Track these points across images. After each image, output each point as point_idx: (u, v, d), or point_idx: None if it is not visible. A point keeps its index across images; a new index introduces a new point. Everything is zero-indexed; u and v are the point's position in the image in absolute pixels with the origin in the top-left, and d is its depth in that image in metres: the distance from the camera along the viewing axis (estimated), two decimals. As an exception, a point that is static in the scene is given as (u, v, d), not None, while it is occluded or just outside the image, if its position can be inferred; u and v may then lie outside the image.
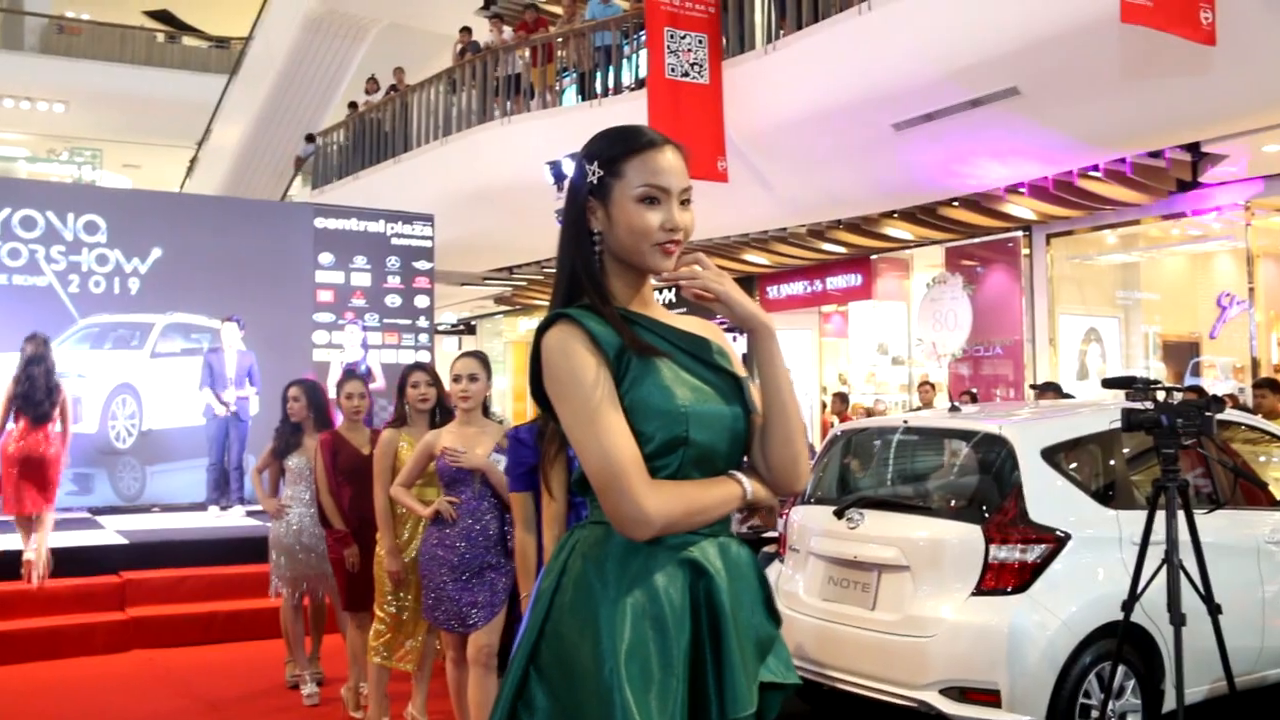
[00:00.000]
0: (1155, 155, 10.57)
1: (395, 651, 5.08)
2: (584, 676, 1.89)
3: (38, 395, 7.67)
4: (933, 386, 13.11)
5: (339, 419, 5.96)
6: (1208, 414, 4.02)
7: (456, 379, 4.56)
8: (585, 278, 2.08)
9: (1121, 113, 9.58)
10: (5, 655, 6.96)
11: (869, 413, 13.56)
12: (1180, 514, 3.96)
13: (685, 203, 2.08)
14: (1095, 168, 10.81)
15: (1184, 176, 10.91)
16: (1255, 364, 11.74)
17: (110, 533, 9.15)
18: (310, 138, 19.58)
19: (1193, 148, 10.57)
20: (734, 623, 1.96)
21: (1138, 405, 4.07)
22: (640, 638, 1.90)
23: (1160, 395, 4.07)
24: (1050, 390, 10.21)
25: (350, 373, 6.16)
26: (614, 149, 2.07)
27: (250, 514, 9.95)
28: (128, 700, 6.21)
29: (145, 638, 7.45)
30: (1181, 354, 13.29)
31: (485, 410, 4.71)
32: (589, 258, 2.09)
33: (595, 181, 2.07)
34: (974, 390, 12.75)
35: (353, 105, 19.12)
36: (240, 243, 11.66)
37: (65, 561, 7.92)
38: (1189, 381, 12.14)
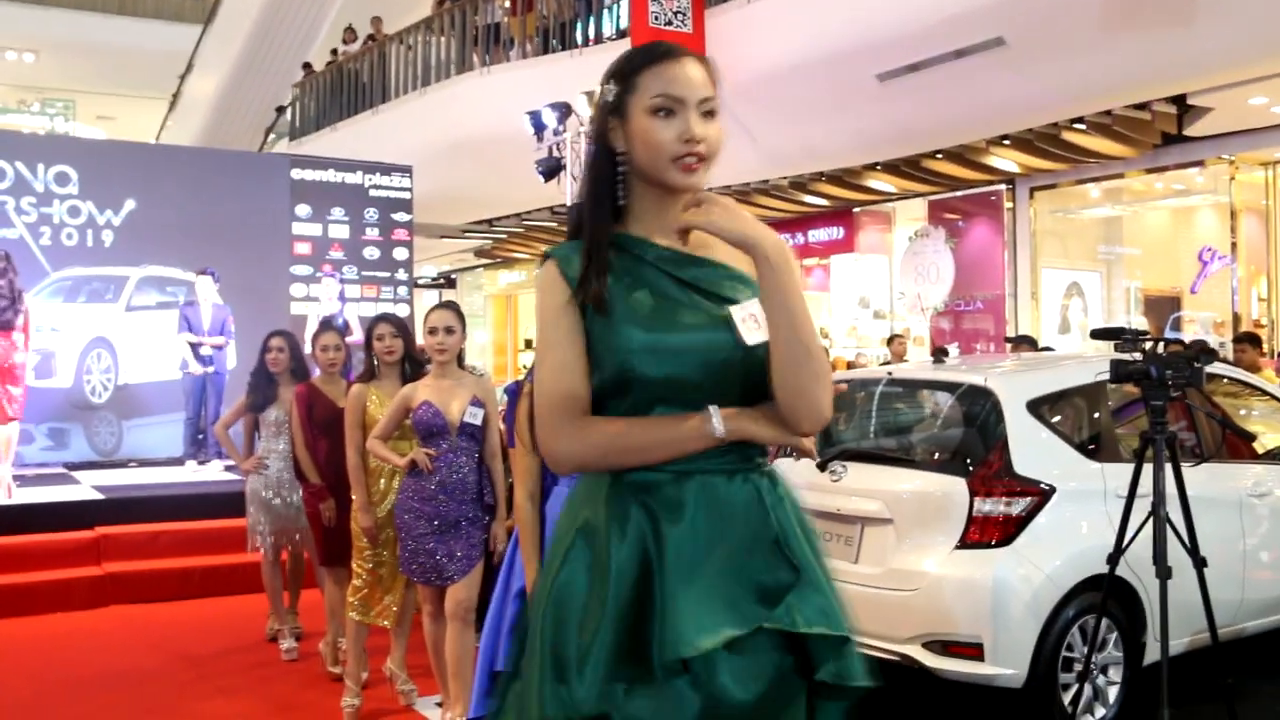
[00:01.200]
0: (1141, 108, 10.50)
1: (373, 607, 5.03)
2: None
3: (1, 303, 8.01)
4: (903, 339, 13.09)
5: (315, 371, 5.87)
6: (1196, 365, 3.97)
7: (432, 331, 4.47)
8: (590, 199, 1.98)
9: (1107, 64, 9.50)
10: (-20, 611, 6.89)
11: (849, 366, 13.53)
12: (1167, 466, 3.92)
13: (709, 115, 1.95)
14: (1080, 120, 10.74)
15: (1169, 129, 10.86)
16: (1236, 319, 11.76)
17: (86, 488, 9.06)
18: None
19: (1178, 100, 10.50)
20: (692, 563, 1.83)
21: (1126, 356, 4.02)
22: (570, 578, 1.86)
23: (1148, 347, 4.02)
24: (1024, 343, 10.20)
25: (327, 324, 6.05)
26: (631, 63, 1.97)
27: (228, 468, 9.87)
28: (105, 656, 6.16)
29: (122, 593, 7.39)
30: (1163, 308, 13.31)
31: (460, 362, 4.63)
32: (600, 178, 1.98)
33: (613, 100, 1.96)
34: (946, 347, 12.74)
35: (334, 52, 18.80)
36: (215, 194, 11.50)
37: (41, 516, 7.85)
38: (1169, 336, 12.16)
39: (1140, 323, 13.25)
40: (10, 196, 10.60)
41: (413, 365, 5.02)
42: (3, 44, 24.07)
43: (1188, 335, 12.32)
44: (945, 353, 6.72)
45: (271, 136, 20.49)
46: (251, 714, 5.08)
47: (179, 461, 10.38)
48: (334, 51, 18.80)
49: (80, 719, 5.11)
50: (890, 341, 13.15)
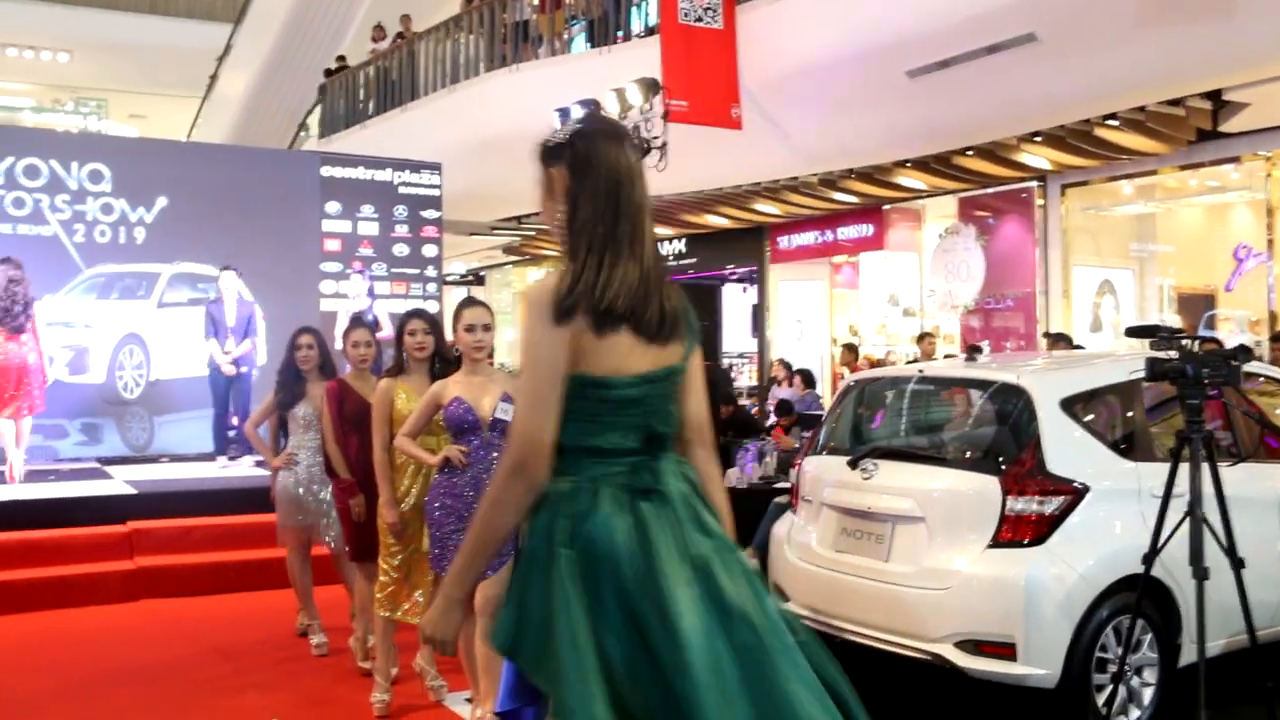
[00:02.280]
0: (1175, 104, 10.38)
1: (401, 604, 5.04)
2: None
3: (15, 308, 8.80)
4: (933, 338, 12.99)
5: (344, 368, 5.89)
6: (1234, 363, 3.92)
7: (470, 329, 4.48)
8: None
9: (1141, 60, 9.39)
10: (16, 604, 6.96)
11: (877, 364, 13.47)
12: (1204, 466, 3.87)
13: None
14: (1113, 116, 10.62)
15: (1204, 125, 10.73)
16: (1273, 317, 11.60)
17: (119, 483, 9.13)
18: (330, 71, 19.39)
19: (1213, 95, 10.37)
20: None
21: (1162, 354, 3.97)
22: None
23: (1185, 344, 3.97)
24: (1061, 341, 10.11)
25: (357, 320, 6.06)
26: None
27: (258, 464, 9.92)
28: (137, 649, 6.21)
29: (154, 587, 7.44)
30: (1196, 306, 13.15)
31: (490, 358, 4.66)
32: None
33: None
34: (980, 344, 12.64)
35: (340, 58, 18.86)
36: (246, 191, 11.56)
37: (74, 510, 7.93)
38: (1203, 334, 12.02)
39: (1173, 321, 13.12)
40: (45, 194, 10.70)
41: (442, 363, 5.03)
42: (37, 44, 24.29)
43: (1223, 333, 12.18)
44: (979, 350, 6.71)
45: (302, 134, 20.58)
46: (283, 708, 5.11)
47: (210, 457, 10.44)
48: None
49: (113, 711, 5.15)
50: (920, 340, 13.07)
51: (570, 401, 2.15)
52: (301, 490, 6.04)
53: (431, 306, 12.31)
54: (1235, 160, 11.51)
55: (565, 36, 13.94)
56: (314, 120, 20.02)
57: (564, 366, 2.12)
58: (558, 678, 2.03)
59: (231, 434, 10.29)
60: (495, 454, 4.50)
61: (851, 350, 14.35)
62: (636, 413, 2.18)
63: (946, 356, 12.03)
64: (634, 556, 2.08)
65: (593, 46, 13.22)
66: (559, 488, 2.17)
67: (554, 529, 2.15)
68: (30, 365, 8.89)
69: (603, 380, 2.15)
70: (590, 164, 2.23)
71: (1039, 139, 11.43)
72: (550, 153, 2.28)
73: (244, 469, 10.03)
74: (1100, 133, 10.89)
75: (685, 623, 2.01)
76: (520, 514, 2.19)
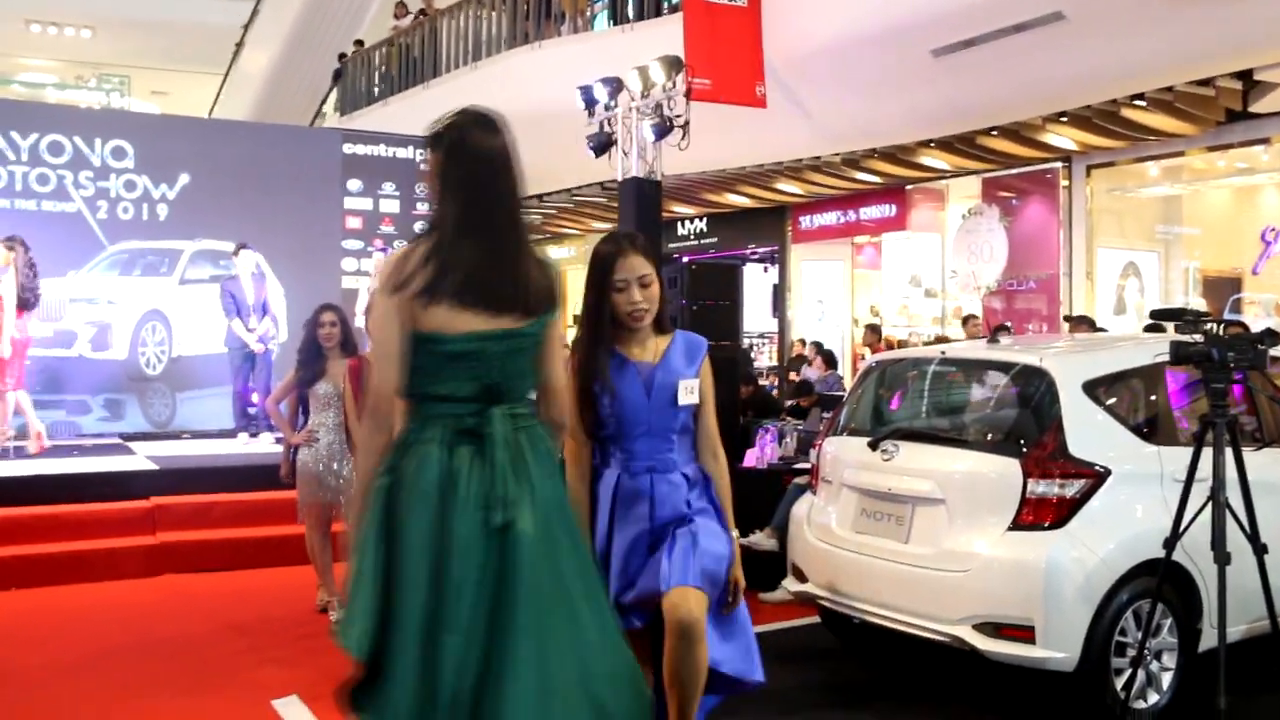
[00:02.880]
0: (1204, 84, 10.25)
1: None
2: None
3: (34, 286, 9.09)
4: (977, 320, 12.85)
5: (365, 345, 5.90)
6: (1260, 347, 3.87)
7: None
8: None
9: (1170, 39, 9.28)
10: (38, 578, 7.03)
11: (900, 345, 13.40)
12: (1228, 451, 3.83)
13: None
14: (1140, 97, 10.51)
15: (1234, 106, 10.60)
16: (1299, 300, 11.50)
17: (141, 458, 9.20)
18: (344, 56, 19.40)
19: (1244, 75, 10.24)
20: None
21: (1187, 338, 3.93)
22: None
23: (1211, 328, 3.92)
24: (1083, 324, 10.03)
25: (379, 298, 6.07)
26: None
27: (279, 441, 9.96)
28: (158, 623, 6.26)
29: (175, 563, 7.49)
30: (1222, 290, 13.03)
31: None
32: None
33: None
34: (1005, 324, 12.55)
35: (358, 43, 18.88)
36: (268, 169, 11.59)
37: (97, 485, 7.99)
38: (1229, 317, 11.92)
39: (1199, 304, 13.01)
40: (69, 171, 10.75)
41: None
42: (60, 20, 24.36)
43: (1248, 317, 12.07)
44: (1006, 329, 6.60)
45: (323, 111, 20.59)
46: (302, 683, 5.13)
47: (231, 434, 10.50)
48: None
49: (135, 684, 5.19)
50: (965, 322, 12.91)
51: (414, 356, 2.46)
52: (322, 467, 6.07)
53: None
54: (1265, 141, 11.38)
55: (588, 14, 13.89)
56: (329, 102, 20.05)
57: (399, 328, 2.44)
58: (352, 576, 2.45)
59: (253, 411, 10.35)
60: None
61: (874, 331, 14.29)
62: (472, 366, 2.47)
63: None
64: (436, 485, 2.39)
65: (615, 24, 13.15)
66: (404, 430, 2.49)
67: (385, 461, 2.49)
68: (33, 340, 9.36)
69: (435, 336, 2.45)
70: (454, 151, 2.58)
71: (1064, 119, 11.32)
72: (430, 139, 2.66)
73: (264, 445, 10.08)
74: (1127, 113, 10.78)
75: (461, 527, 2.36)
76: (379, 453, 2.48)
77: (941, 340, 11.87)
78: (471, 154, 2.56)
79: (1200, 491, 3.96)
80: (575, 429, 3.27)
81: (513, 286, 2.52)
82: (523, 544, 2.38)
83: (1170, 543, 3.97)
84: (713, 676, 3.22)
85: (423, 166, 12.45)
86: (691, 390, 3.35)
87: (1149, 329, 8.30)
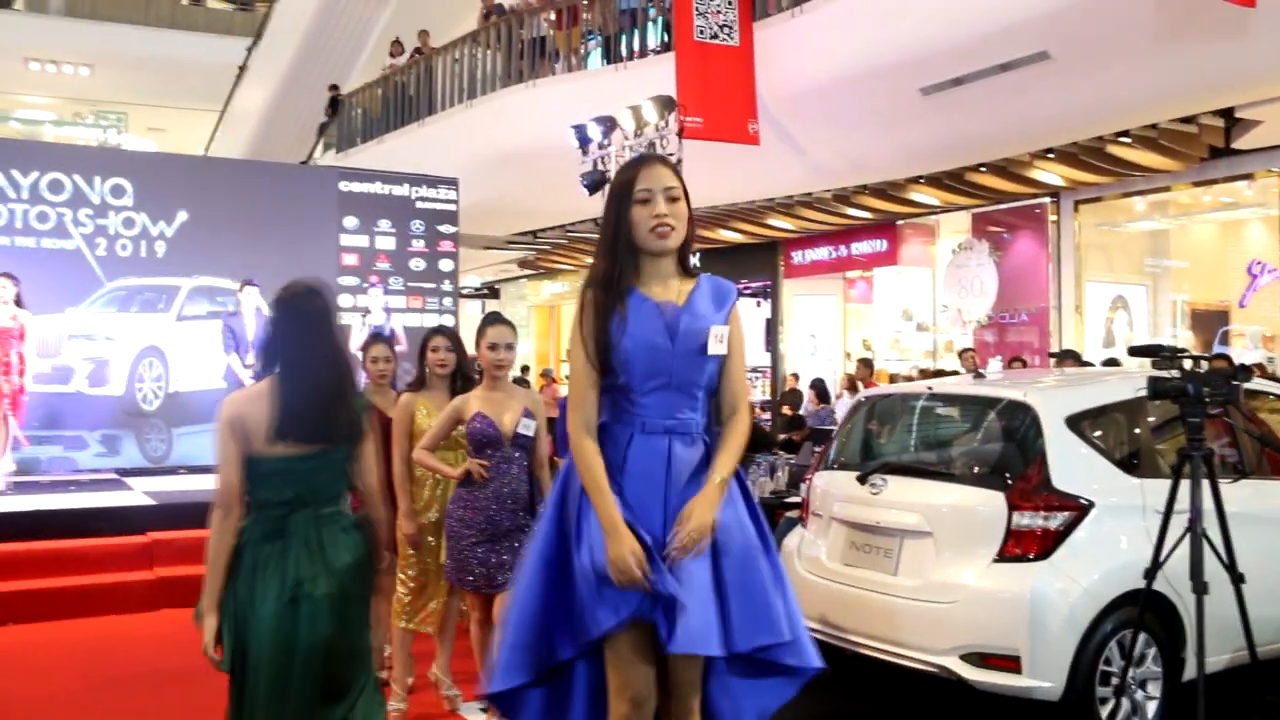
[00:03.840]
0: (1188, 120, 10.44)
1: (417, 614, 5.13)
2: None
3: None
4: (974, 353, 12.94)
5: (362, 382, 5.98)
6: (1234, 383, 3.98)
7: (493, 347, 4.59)
8: None
9: (1154, 77, 9.47)
10: (37, 613, 7.07)
11: (892, 380, 13.51)
12: (1205, 483, 3.94)
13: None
14: (1125, 134, 10.69)
15: (1216, 142, 10.78)
16: (1286, 333, 11.63)
17: (138, 494, 9.25)
18: (334, 87, 19.57)
19: (1226, 113, 10.43)
20: None
21: (1164, 373, 4.04)
22: None
23: (1187, 364, 4.03)
24: (1069, 358, 10.15)
25: (376, 336, 6.17)
26: None
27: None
28: (159, 656, 6.30)
29: (173, 597, 7.52)
30: (1210, 322, 13.18)
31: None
32: None
33: None
34: (982, 371, 12.64)
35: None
36: (265, 206, 11.70)
37: (95, 521, 8.04)
38: (1217, 350, 12.04)
39: (1186, 337, 13.14)
40: (68, 209, 10.85)
41: (463, 380, 5.13)
42: (58, 58, 24.56)
43: (1236, 349, 12.20)
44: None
45: (319, 149, 20.77)
46: (299, 716, 5.18)
47: (228, 468, 10.52)
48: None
49: (137, 715, 5.24)
50: (961, 355, 13.02)
51: (247, 468, 3.18)
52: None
53: (447, 320, 12.43)
54: (1249, 177, 11.56)
55: (582, 52, 14.08)
56: (323, 136, 20.20)
57: (236, 452, 3.17)
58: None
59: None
60: (515, 469, 4.60)
61: (867, 365, 14.40)
62: (283, 480, 3.19)
63: (938, 373, 12.04)
64: (253, 564, 3.18)
65: (609, 63, 13.34)
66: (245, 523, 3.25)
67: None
68: None
69: (256, 459, 3.17)
70: (285, 310, 3.26)
71: (1052, 155, 11.50)
72: (272, 303, 3.35)
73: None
74: (1113, 149, 10.96)
75: (262, 609, 3.13)
76: (227, 536, 3.22)
77: (940, 374, 11.96)
78: (297, 312, 3.24)
79: (1180, 523, 4.06)
80: (583, 383, 2.87)
81: (325, 421, 3.20)
82: (317, 604, 3.20)
83: (1150, 573, 4.07)
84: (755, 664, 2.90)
85: (419, 204, 12.62)
86: (721, 339, 2.90)
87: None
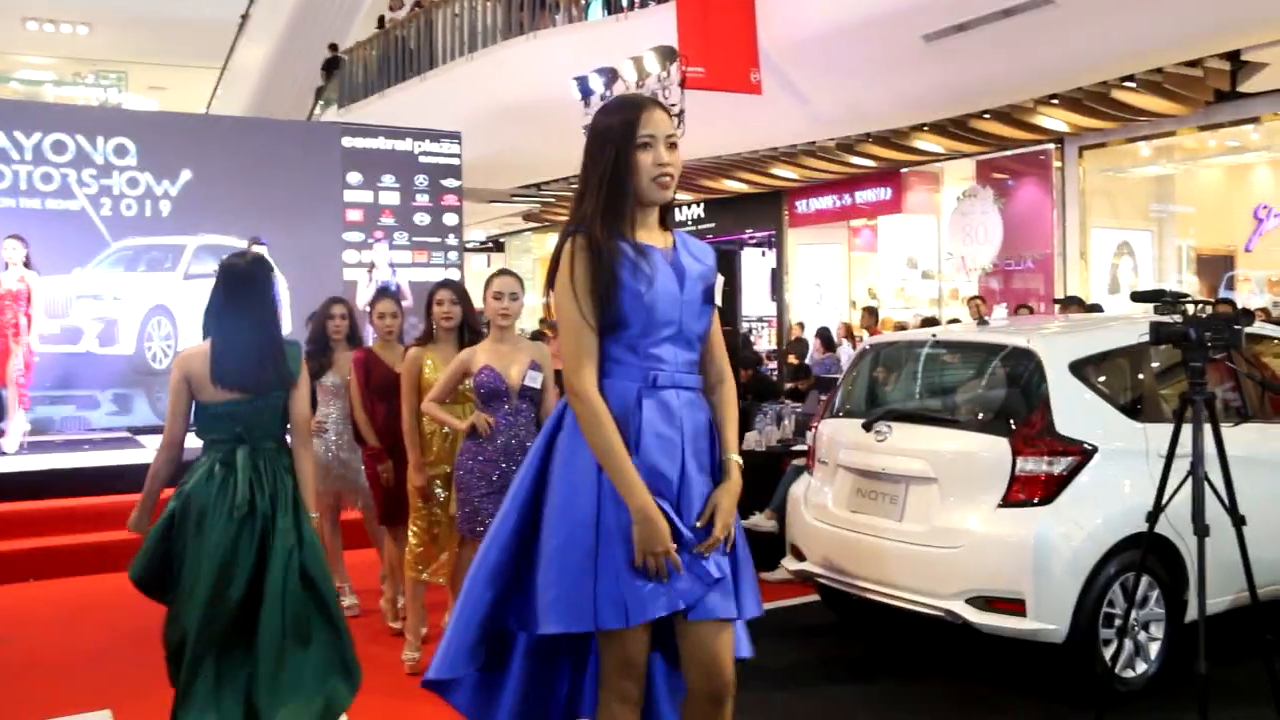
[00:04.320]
0: (1193, 64, 10.37)
1: (430, 565, 5.20)
2: None
3: None
4: (983, 300, 12.95)
5: (370, 337, 6.03)
6: (1236, 327, 4.01)
7: (497, 296, 4.62)
8: None
9: (1158, 21, 9.40)
10: (59, 569, 7.21)
11: (899, 328, 13.52)
12: (1207, 427, 3.97)
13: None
14: (1130, 79, 10.63)
15: (1222, 86, 10.72)
16: (1292, 276, 11.63)
17: (150, 451, 9.30)
18: (334, 47, 19.46)
19: (1232, 56, 10.36)
20: None
21: (1166, 319, 4.06)
22: None
23: (1189, 309, 4.05)
24: (1074, 304, 10.17)
25: (384, 291, 6.20)
26: None
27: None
28: (174, 612, 6.40)
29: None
30: (1216, 267, 13.18)
31: None
32: None
33: None
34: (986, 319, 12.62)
35: (381, 20, 18.97)
36: (269, 163, 11.71)
37: (111, 479, 8.14)
38: (1223, 295, 12.05)
39: (1191, 282, 13.13)
40: (72, 169, 10.86)
41: (471, 333, 5.16)
42: (57, 17, 24.43)
43: (1242, 294, 12.20)
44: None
45: (320, 104, 20.69)
46: (316, 667, 5.28)
47: (237, 425, 10.63)
48: (381, 20, 18.94)
49: (152, 669, 5.32)
50: (969, 302, 13.02)
51: (197, 413, 3.83)
52: (330, 457, 6.21)
53: (453, 274, 12.46)
54: (1255, 120, 11.50)
55: (582, 3, 13.98)
56: (323, 93, 20.08)
57: (185, 401, 3.82)
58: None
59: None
60: (523, 420, 4.65)
61: (871, 313, 14.42)
62: (228, 421, 3.79)
63: (951, 321, 12.08)
64: (204, 494, 3.73)
65: (609, 13, 13.26)
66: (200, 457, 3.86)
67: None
68: None
69: (203, 405, 3.81)
70: (225, 277, 3.82)
71: (1056, 102, 11.45)
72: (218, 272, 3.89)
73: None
74: (1117, 95, 10.90)
75: (213, 523, 3.70)
76: (166, 467, 3.94)
77: (932, 322, 11.99)
78: (230, 282, 3.81)
79: (1182, 467, 4.10)
80: (584, 335, 2.63)
81: (257, 371, 3.78)
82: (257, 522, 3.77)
83: (1153, 516, 4.11)
84: None
85: (422, 159, 12.61)
86: (719, 289, 2.76)
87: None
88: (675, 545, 2.54)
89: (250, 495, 3.74)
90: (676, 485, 2.62)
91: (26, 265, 9.16)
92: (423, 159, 12.67)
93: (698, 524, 2.61)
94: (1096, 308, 10.54)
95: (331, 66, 19.75)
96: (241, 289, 3.81)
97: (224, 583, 3.68)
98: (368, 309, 6.11)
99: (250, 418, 3.81)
